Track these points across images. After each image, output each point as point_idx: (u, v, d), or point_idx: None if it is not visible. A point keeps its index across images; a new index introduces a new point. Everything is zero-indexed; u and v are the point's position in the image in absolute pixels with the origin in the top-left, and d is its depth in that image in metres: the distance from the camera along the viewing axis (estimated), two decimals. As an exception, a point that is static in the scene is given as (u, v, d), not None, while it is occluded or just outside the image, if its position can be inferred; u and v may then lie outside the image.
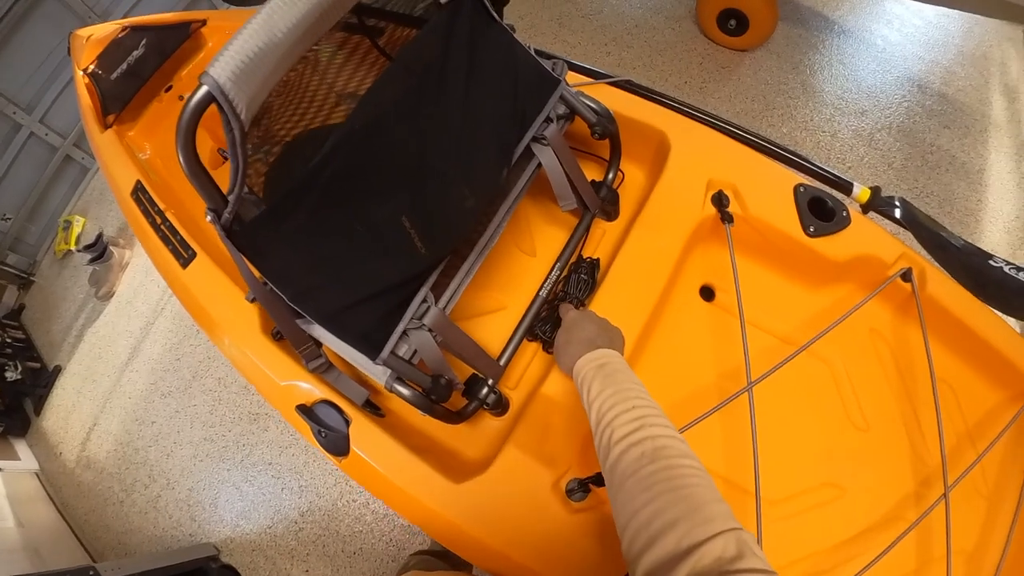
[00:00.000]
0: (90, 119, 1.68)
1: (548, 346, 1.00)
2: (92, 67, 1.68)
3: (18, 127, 2.82)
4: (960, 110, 2.31)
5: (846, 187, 1.07)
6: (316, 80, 0.87)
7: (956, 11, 1.95)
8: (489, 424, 0.96)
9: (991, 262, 0.93)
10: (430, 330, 0.77)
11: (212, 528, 2.02)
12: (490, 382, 0.88)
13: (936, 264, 0.98)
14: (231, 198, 0.65)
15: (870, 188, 1.05)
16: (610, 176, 1.07)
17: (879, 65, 2.45)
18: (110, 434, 2.34)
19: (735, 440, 0.91)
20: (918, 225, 1.01)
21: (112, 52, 1.71)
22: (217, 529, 2.01)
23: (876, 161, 2.17)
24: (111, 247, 2.63)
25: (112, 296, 2.66)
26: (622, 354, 0.74)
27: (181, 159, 0.61)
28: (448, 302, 0.85)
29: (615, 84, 1.11)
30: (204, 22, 1.77)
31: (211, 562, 1.90)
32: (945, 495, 0.77)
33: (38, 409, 2.57)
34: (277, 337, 1.03)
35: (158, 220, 1.34)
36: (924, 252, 1.01)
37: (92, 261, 2.58)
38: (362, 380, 1.00)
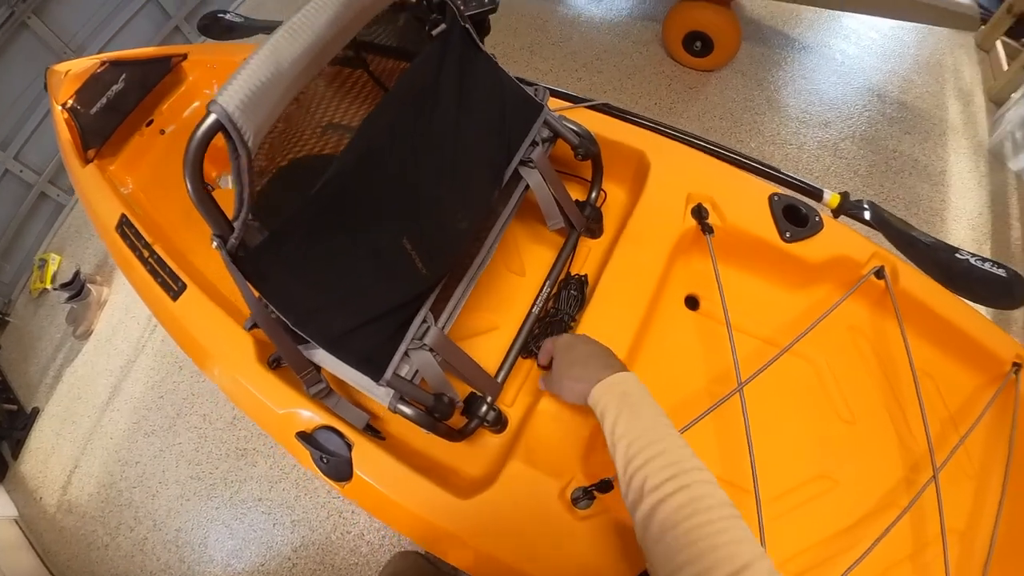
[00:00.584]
0: (70, 154, 1.68)
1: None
2: (71, 102, 1.68)
3: None
4: (919, 116, 2.45)
5: (817, 194, 1.13)
6: (312, 109, 0.90)
7: (909, 22, 2.08)
8: (488, 441, 0.98)
9: (957, 255, 1.01)
10: (431, 350, 0.80)
11: (202, 569, 1.98)
12: (489, 399, 0.90)
13: (906, 260, 1.04)
14: (236, 224, 0.67)
15: (839, 194, 1.12)
16: (593, 195, 1.12)
17: (839, 78, 2.59)
18: (92, 476, 2.28)
19: (729, 441, 0.94)
20: (887, 225, 1.08)
21: (91, 87, 1.72)
22: (208, 569, 1.97)
23: (842, 169, 2.28)
24: (89, 285, 2.59)
25: (90, 335, 2.62)
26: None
27: (189, 185, 0.62)
28: (446, 322, 0.88)
29: (593, 107, 1.17)
30: (185, 56, 1.79)
31: (202, 605, 1.83)
32: (935, 477, 0.81)
33: (16, 453, 2.50)
34: (273, 365, 1.04)
35: (145, 253, 1.34)
36: (894, 250, 1.07)
37: (69, 299, 2.54)
38: (360, 404, 1.01)
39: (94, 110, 1.67)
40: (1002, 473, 0.87)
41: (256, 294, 0.73)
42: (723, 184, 1.09)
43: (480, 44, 0.91)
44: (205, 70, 1.81)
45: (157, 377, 2.38)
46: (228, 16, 1.81)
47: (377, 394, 0.82)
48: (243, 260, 0.69)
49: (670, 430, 0.64)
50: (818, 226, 1.06)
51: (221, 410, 2.22)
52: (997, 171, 2.29)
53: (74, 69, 1.83)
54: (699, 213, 1.05)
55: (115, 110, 1.70)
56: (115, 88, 1.70)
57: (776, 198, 1.08)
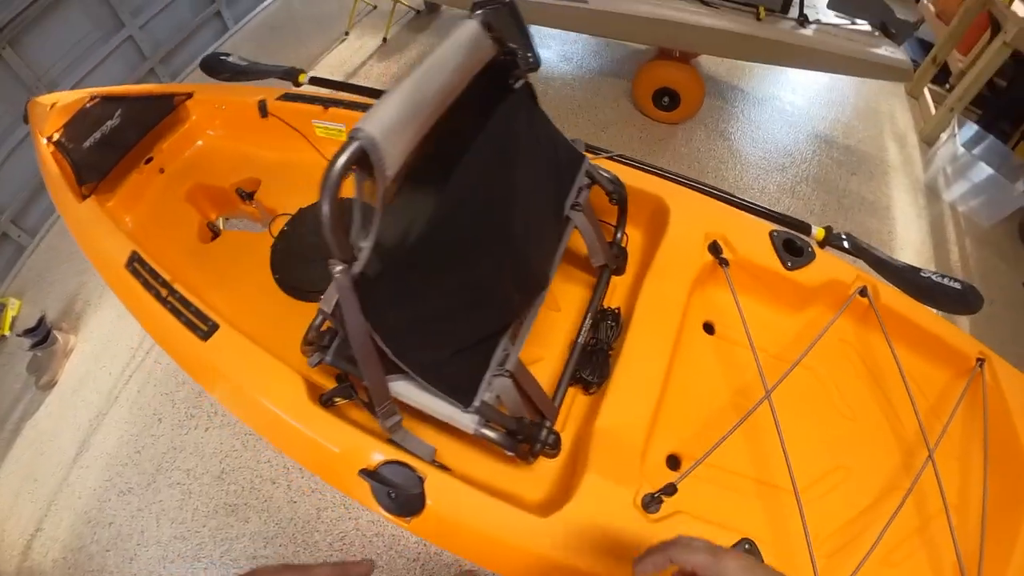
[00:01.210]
0: (61, 189, 1.64)
1: (589, 388, 1.12)
2: (58, 136, 1.66)
3: None
4: (863, 158, 2.83)
5: (806, 229, 1.32)
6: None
7: (845, 75, 2.42)
8: (543, 466, 1.05)
9: (922, 274, 1.23)
10: (511, 375, 0.88)
11: None
12: (548, 424, 0.98)
13: (883, 280, 1.25)
14: (361, 253, 0.72)
15: (824, 228, 1.32)
16: (619, 236, 1.27)
17: (790, 127, 2.95)
18: (57, 540, 2.11)
19: (757, 445, 1.08)
20: (864, 252, 1.28)
21: (80, 121, 1.70)
22: None
23: (800, 209, 2.57)
24: (55, 331, 2.48)
25: (54, 385, 2.47)
26: None
27: (325, 210, 0.66)
28: (517, 349, 0.96)
29: (613, 158, 1.34)
30: (190, 95, 1.82)
31: None
32: (930, 458, 0.97)
33: None
34: (327, 404, 1.06)
35: (163, 292, 1.31)
36: (873, 272, 1.27)
37: (34, 347, 2.41)
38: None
39: (87, 144, 1.65)
40: (981, 450, 1.04)
41: (363, 323, 0.77)
42: (731, 223, 1.28)
43: (536, 99, 1.05)
44: (210, 110, 1.84)
45: (133, 431, 2.27)
46: (232, 58, 1.86)
47: (462, 421, 0.88)
48: (359, 288, 0.74)
49: None
50: (811, 256, 1.25)
51: (207, 464, 2.13)
52: (934, 203, 2.67)
53: (61, 102, 1.81)
54: (715, 248, 1.22)
55: (112, 145, 1.69)
56: (110, 123, 1.70)
57: (775, 233, 1.27)
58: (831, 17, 2.30)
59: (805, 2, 2.22)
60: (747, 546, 0.86)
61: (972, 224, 2.61)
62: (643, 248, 1.35)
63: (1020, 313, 2.34)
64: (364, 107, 1.63)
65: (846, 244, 1.30)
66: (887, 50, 2.19)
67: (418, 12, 3.90)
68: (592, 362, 1.11)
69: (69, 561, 2.05)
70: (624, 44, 3.37)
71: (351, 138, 0.64)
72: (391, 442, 0.99)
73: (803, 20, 2.22)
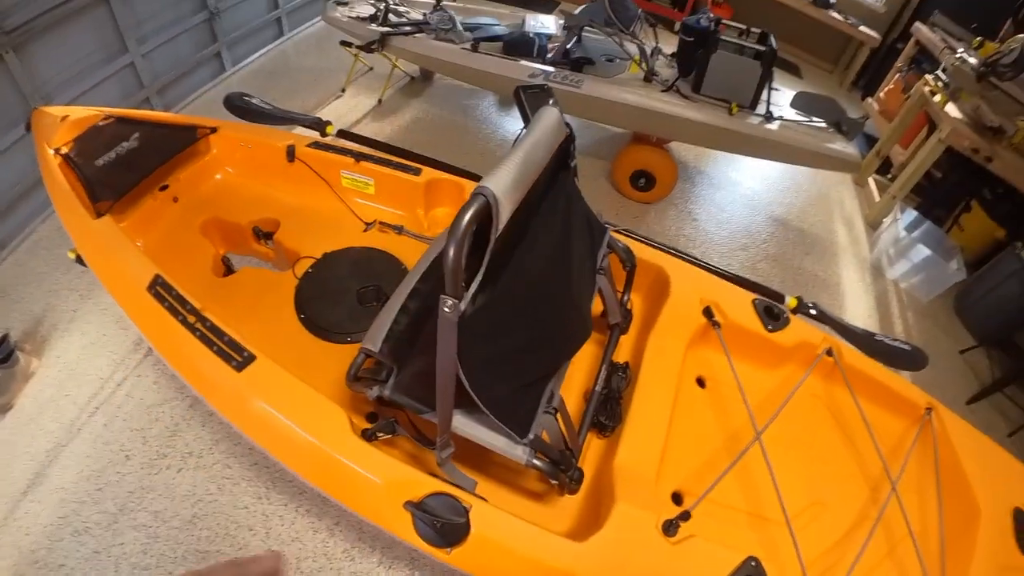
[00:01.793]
0: (71, 204, 1.64)
1: (604, 431, 1.29)
2: (67, 149, 1.68)
3: None
4: (815, 239, 3.22)
5: (780, 298, 1.57)
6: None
7: (803, 166, 2.79)
8: (565, 502, 1.18)
9: (876, 337, 1.49)
10: (555, 412, 1.02)
11: None
12: (574, 461, 1.11)
13: (846, 342, 1.49)
14: (468, 294, 0.84)
15: (795, 298, 1.56)
16: (626, 298, 1.49)
17: (751, 210, 3.33)
18: None
19: (746, 483, 1.26)
20: (829, 319, 1.52)
21: (92, 138, 1.72)
22: None
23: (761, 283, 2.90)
24: (17, 352, 2.39)
25: (10, 409, 2.35)
26: None
27: (452, 252, 0.78)
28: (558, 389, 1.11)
29: (620, 232, 1.58)
30: (214, 129, 1.91)
31: None
32: (894, 490, 1.18)
33: None
34: (370, 438, 1.14)
35: (192, 319, 1.33)
36: (837, 336, 1.51)
37: (-7, 367, 2.31)
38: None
39: (100, 162, 1.69)
40: (934, 484, 1.26)
41: (453, 357, 0.87)
42: (720, 292, 1.51)
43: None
44: (232, 147, 1.95)
45: (96, 466, 2.14)
46: (256, 100, 1.98)
47: (515, 452, 1.01)
48: (462, 324, 0.84)
49: None
50: (787, 321, 1.50)
51: (178, 507, 2.02)
52: (878, 280, 3.07)
53: (72, 116, 1.83)
54: (709, 313, 1.44)
55: (128, 167, 1.74)
56: (126, 145, 1.74)
57: (757, 301, 1.51)
58: (792, 115, 2.68)
59: (771, 100, 2.59)
60: (753, 563, 1.01)
61: (913, 299, 3.01)
62: (643, 310, 1.57)
63: (957, 376, 2.71)
64: (394, 164, 1.79)
65: (813, 311, 1.55)
66: (840, 145, 2.58)
67: (413, 78, 4.15)
68: (607, 409, 1.28)
69: None
70: (601, 127, 3.70)
71: (477, 194, 0.79)
72: (433, 475, 1.08)
73: (769, 116, 2.59)
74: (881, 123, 3.85)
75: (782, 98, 2.73)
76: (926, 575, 1.07)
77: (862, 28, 4.72)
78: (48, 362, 2.51)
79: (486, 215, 0.81)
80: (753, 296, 1.53)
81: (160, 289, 1.41)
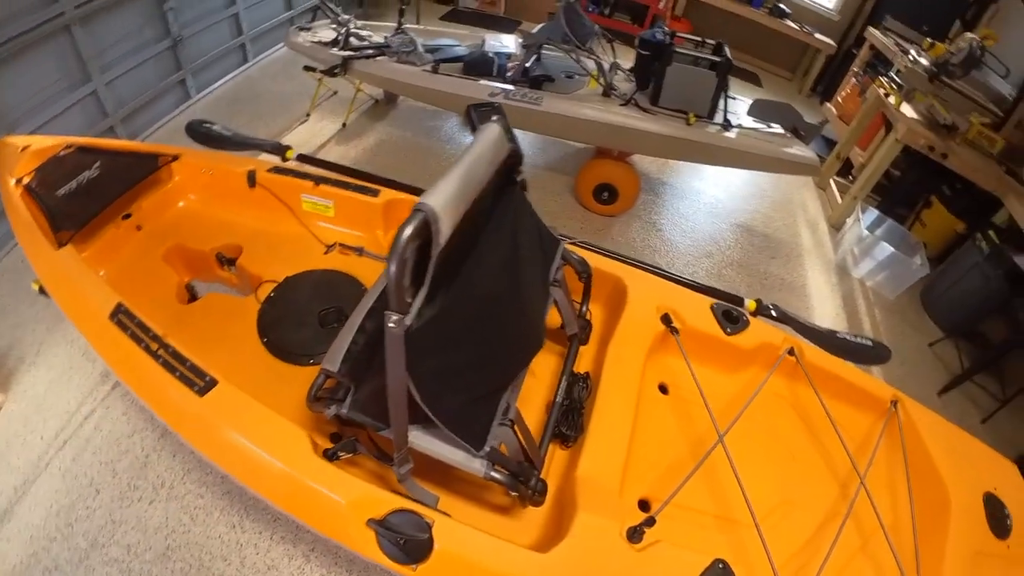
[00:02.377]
0: (32, 234, 1.63)
1: (566, 442, 1.29)
2: (28, 179, 1.66)
3: None
4: (780, 243, 3.27)
5: (739, 301, 1.59)
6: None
7: (762, 172, 2.86)
8: (529, 514, 1.17)
9: (838, 335, 1.52)
10: (511, 424, 1.02)
11: None
12: (536, 472, 1.11)
13: (807, 342, 1.51)
14: (414, 308, 0.85)
15: (755, 300, 1.58)
16: (583, 309, 1.50)
17: (715, 217, 3.39)
18: None
19: (714, 485, 1.27)
20: (789, 319, 1.55)
21: (54, 168, 1.71)
22: None
23: (728, 290, 2.91)
24: (-20, 391, 2.32)
25: None
26: None
27: (393, 268, 0.80)
28: (514, 401, 1.11)
29: (577, 244, 1.58)
30: (176, 157, 1.91)
31: None
32: (862, 484, 1.19)
33: None
34: (331, 458, 1.13)
35: (154, 346, 1.32)
36: (799, 336, 1.53)
37: (-47, 408, 2.24)
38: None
39: (61, 192, 1.67)
40: (904, 476, 1.27)
41: (403, 372, 0.88)
42: (679, 298, 1.53)
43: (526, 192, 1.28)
44: (194, 174, 1.93)
45: (65, 501, 2.09)
46: (217, 127, 1.97)
47: (473, 465, 1.01)
48: (407, 339, 0.86)
49: None
50: (746, 323, 1.52)
51: (150, 540, 1.97)
52: (844, 280, 3.12)
53: (34, 145, 1.81)
54: (667, 320, 1.45)
55: (89, 197, 1.72)
56: (87, 174, 1.72)
57: (715, 306, 1.53)
58: (749, 122, 2.74)
59: (728, 109, 2.65)
60: (721, 565, 1.02)
61: (879, 296, 3.07)
62: (603, 320, 1.58)
63: (928, 368, 2.76)
64: (352, 187, 1.80)
65: (773, 313, 1.57)
66: (798, 149, 2.64)
67: (377, 101, 4.17)
68: (569, 419, 1.28)
69: None
70: (565, 143, 3.75)
71: (417, 210, 0.80)
72: (396, 492, 1.07)
73: (727, 125, 2.65)
74: (840, 127, 3.96)
75: (740, 107, 2.79)
76: (900, 567, 1.08)
77: (818, 36, 4.90)
78: (14, 397, 2.45)
79: (427, 231, 0.82)
80: (712, 301, 1.55)
81: (123, 317, 1.40)
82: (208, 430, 1.24)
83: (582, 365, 1.46)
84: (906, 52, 3.44)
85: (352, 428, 1.20)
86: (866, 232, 3.05)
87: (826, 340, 1.48)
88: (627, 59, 3.01)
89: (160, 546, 1.98)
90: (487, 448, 0.97)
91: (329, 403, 1.10)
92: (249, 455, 1.15)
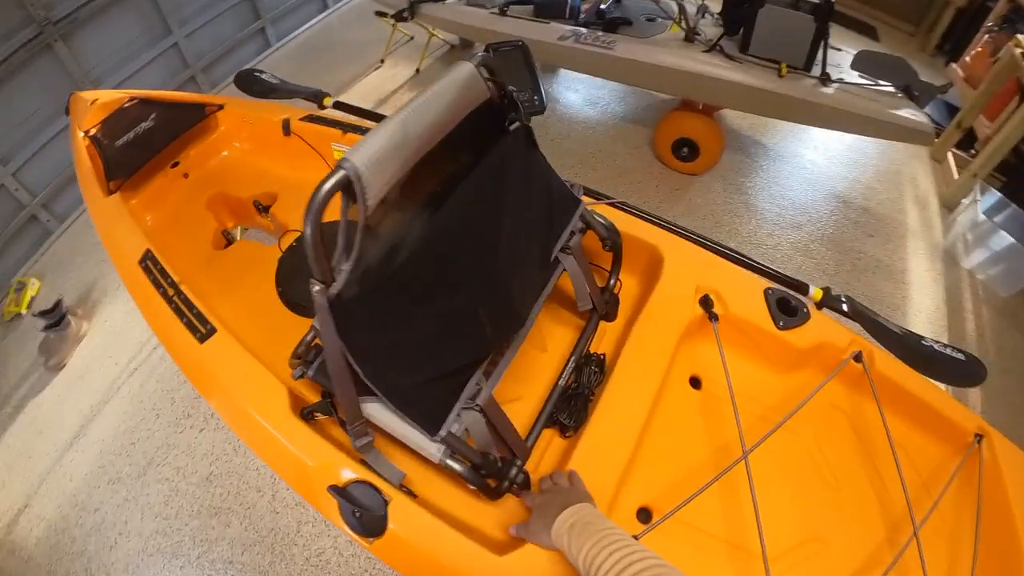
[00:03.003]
0: (91, 182, 1.71)
1: (565, 432, 1.12)
2: (95, 131, 1.73)
3: None
4: (881, 220, 2.79)
5: (803, 288, 1.31)
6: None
7: (865, 136, 2.42)
8: (510, 504, 1.03)
9: (923, 342, 1.20)
10: (481, 410, 0.89)
11: None
12: (519, 463, 0.98)
13: (880, 347, 1.21)
14: (340, 276, 0.75)
15: (822, 288, 1.30)
16: (612, 282, 1.28)
17: (809, 185, 2.93)
18: (43, 519, 2.15)
19: (731, 506, 1.06)
20: (862, 316, 1.25)
21: (118, 120, 1.78)
22: None
23: (812, 268, 2.54)
24: (69, 316, 2.56)
25: (62, 368, 2.54)
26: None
27: (308, 231, 0.71)
28: (491, 386, 0.98)
29: (613, 204, 1.36)
30: (221, 107, 1.90)
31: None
32: (915, 534, 0.94)
33: None
34: (307, 418, 1.08)
35: (170, 292, 1.36)
36: (870, 338, 1.24)
37: (47, 328, 2.49)
38: (394, 463, 1.05)
39: (119, 143, 1.73)
40: (972, 531, 1.00)
41: (338, 343, 0.80)
42: (726, 278, 1.28)
43: (535, 141, 1.07)
44: (238, 123, 1.93)
45: (131, 422, 2.31)
46: (265, 76, 1.94)
47: (428, 449, 0.89)
48: (336, 307, 0.77)
49: (615, 533, 0.74)
50: (806, 316, 1.24)
51: (196, 464, 2.15)
52: (951, 269, 2.61)
53: (101, 99, 1.90)
54: (706, 303, 1.22)
55: (142, 147, 1.78)
56: (144, 125, 1.78)
57: (770, 292, 1.27)
58: (855, 77, 2.29)
59: (828, 61, 2.22)
60: None
61: (990, 293, 2.54)
62: (637, 296, 1.36)
63: None
64: None
65: (844, 307, 1.28)
66: (908, 112, 2.17)
67: (453, 46, 3.99)
68: (571, 406, 1.11)
69: (52, 541, 2.09)
70: (649, 93, 3.42)
71: (338, 167, 0.68)
72: (363, 463, 1.00)
73: (825, 79, 2.22)
74: (965, 91, 3.23)
75: (844, 60, 2.34)
76: None
77: (948, -18, 4.03)
78: (96, 325, 2.69)
79: (351, 191, 0.69)
80: (768, 284, 1.30)
81: (148, 263, 1.44)
82: (205, 377, 1.24)
83: (603, 346, 1.27)
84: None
85: None
86: (983, 216, 2.49)
87: (906, 347, 1.18)
88: (717, 2, 2.63)
89: (204, 471, 2.12)
90: (443, 433, 0.85)
91: (304, 364, 1.02)
92: (235, 405, 1.15)
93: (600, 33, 2.53)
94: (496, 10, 2.80)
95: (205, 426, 2.25)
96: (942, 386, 1.23)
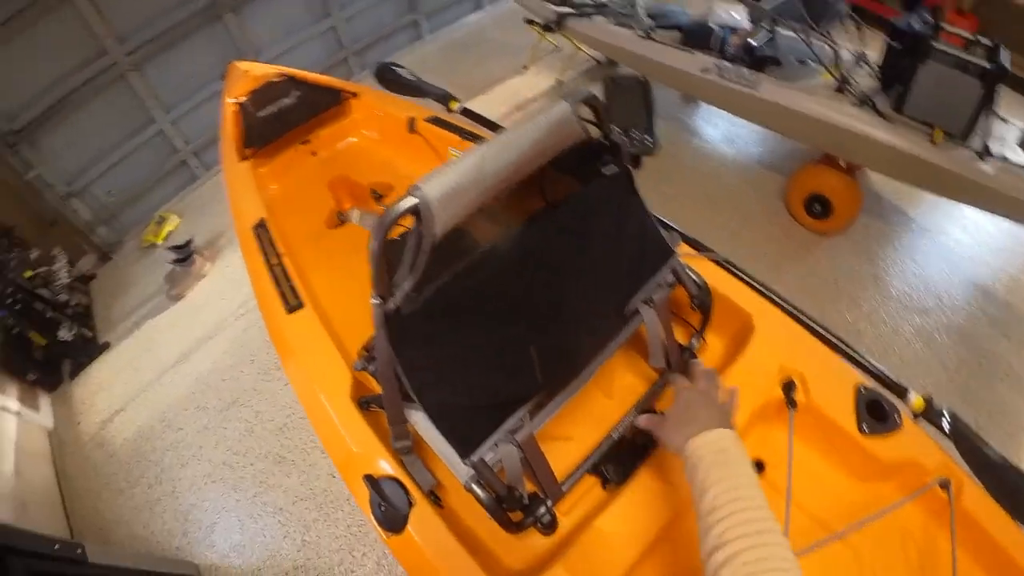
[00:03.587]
0: (229, 145, 1.92)
1: (606, 483, 1.12)
2: (243, 99, 1.94)
3: (152, 120, 3.28)
4: (1022, 321, 2.47)
5: (902, 392, 1.20)
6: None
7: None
8: (534, 540, 1.05)
9: None
10: (518, 446, 0.92)
11: (201, 550, 2.07)
12: (548, 503, 0.99)
13: (975, 479, 1.10)
14: (398, 292, 0.80)
15: (924, 398, 1.19)
16: (694, 343, 1.25)
17: (948, 266, 2.67)
18: (134, 424, 2.48)
19: None
20: (964, 440, 1.13)
21: (265, 92, 1.99)
22: (205, 553, 2.07)
23: (931, 360, 2.31)
24: (196, 255, 2.93)
25: (181, 299, 2.91)
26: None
27: (374, 247, 0.77)
28: (536, 425, 0.99)
29: (715, 260, 1.32)
30: (355, 95, 2.08)
31: (189, 582, 1.88)
32: None
33: (74, 374, 2.76)
34: (363, 407, 1.16)
35: (273, 260, 1.52)
36: (965, 466, 1.12)
37: (175, 261, 2.86)
38: (429, 469, 1.10)
39: (261, 114, 1.95)
40: None
41: (390, 353, 0.86)
42: (816, 364, 1.21)
43: (636, 188, 1.08)
44: (369, 114, 2.10)
45: (228, 361, 2.60)
46: (403, 71, 2.08)
47: (458, 469, 0.94)
48: (392, 321, 0.83)
49: (756, 491, 0.72)
50: (896, 425, 1.15)
51: (275, 413, 2.38)
52: None
53: (254, 71, 2.13)
54: (788, 387, 1.17)
55: (280, 121, 1.99)
56: (285, 101, 1.99)
57: (863, 391, 1.18)
58: (1020, 156, 2.05)
59: (992, 132, 2.02)
60: None
61: None
62: (716, 360, 1.32)
63: None
64: None
65: (946, 425, 1.17)
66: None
67: (599, 63, 4.01)
68: (619, 459, 1.10)
69: (136, 446, 2.41)
70: (789, 140, 3.28)
71: (409, 193, 0.74)
72: (400, 462, 1.07)
73: (985, 153, 2.01)
74: None
75: (1010, 133, 2.11)
76: None
77: None
78: (218, 268, 3.05)
79: (420, 217, 0.75)
80: (860, 381, 1.23)
81: (260, 231, 1.62)
82: (285, 343, 1.38)
83: (669, 405, 1.27)
84: None
85: None
86: None
87: (1008, 487, 1.05)
88: (877, 51, 2.46)
89: (280, 421, 2.35)
90: (474, 458, 0.89)
91: (368, 358, 1.11)
92: (303, 377, 1.28)
93: (745, 70, 2.46)
94: (642, 32, 2.80)
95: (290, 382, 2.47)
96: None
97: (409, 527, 1.00)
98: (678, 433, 0.86)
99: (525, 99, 3.89)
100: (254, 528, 2.08)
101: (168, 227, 3.28)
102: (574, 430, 1.21)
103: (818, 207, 2.64)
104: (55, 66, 2.89)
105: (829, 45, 2.35)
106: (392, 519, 1.00)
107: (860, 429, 1.15)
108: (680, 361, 1.21)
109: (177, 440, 2.39)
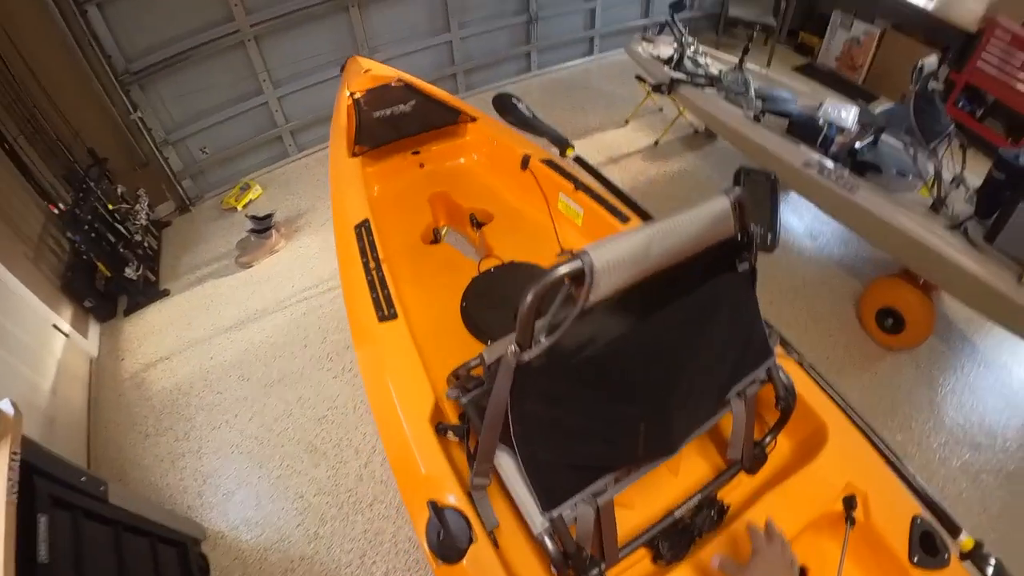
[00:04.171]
0: (340, 139, 2.02)
1: (658, 559, 1.18)
2: (359, 96, 2.07)
3: (260, 91, 3.53)
4: (1076, 474, 2.45)
5: (955, 531, 1.26)
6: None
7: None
8: None
9: None
10: (598, 509, 1.00)
11: (211, 515, 2.16)
12: (602, 565, 1.04)
13: None
14: (537, 346, 0.87)
15: (975, 540, 1.23)
16: (767, 439, 1.33)
17: (1008, 406, 2.68)
18: (175, 376, 2.60)
19: None
20: None
21: (382, 94, 2.12)
22: (215, 519, 2.15)
23: (974, 500, 2.33)
24: (273, 229, 3.10)
25: (249, 268, 3.07)
26: None
27: (529, 300, 0.82)
28: (617, 490, 1.07)
29: (800, 363, 1.42)
30: (474, 119, 2.21)
31: (192, 543, 1.98)
32: None
33: (129, 312, 2.93)
34: (440, 432, 1.22)
35: (371, 264, 1.57)
36: None
37: (252, 231, 3.03)
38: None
39: (376, 115, 2.08)
40: None
41: (506, 400, 0.92)
42: (879, 484, 1.29)
43: (754, 287, 1.18)
44: (483, 139, 2.23)
45: (281, 340, 2.73)
46: (521, 106, 2.19)
47: (534, 519, 1.00)
48: (519, 372, 0.89)
49: None
50: (944, 562, 1.20)
51: (317, 403, 2.48)
52: None
53: (374, 71, 2.27)
54: (849, 503, 1.23)
55: (394, 126, 2.12)
56: (402, 108, 2.13)
57: (918, 521, 1.24)
58: None
59: None
60: None
61: None
62: (784, 460, 1.40)
63: None
64: (607, 204, 1.84)
65: (990, 571, 1.23)
66: None
67: (697, 131, 4.15)
68: (674, 539, 1.17)
69: (172, 397, 2.52)
70: (873, 247, 3.35)
71: (577, 256, 0.80)
72: (469, 496, 1.13)
73: None
74: None
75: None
76: None
77: None
78: (291, 248, 3.22)
79: (580, 280, 0.81)
80: (918, 512, 1.31)
81: (363, 231, 1.69)
82: (370, 351, 1.43)
83: (731, 495, 1.32)
84: None
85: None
86: None
87: None
88: (978, 175, 2.55)
89: (320, 412, 2.45)
90: (553, 514, 0.96)
91: (461, 388, 1.19)
92: (384, 389, 1.31)
93: (847, 173, 2.56)
94: (751, 114, 2.92)
95: (340, 375, 2.58)
96: None
97: (465, 562, 1.04)
98: None
99: (621, 153, 4.01)
100: (270, 508, 2.15)
101: (251, 195, 3.48)
102: (636, 499, 1.28)
103: (890, 320, 2.69)
104: (183, 21, 3.17)
105: (933, 162, 2.43)
106: (448, 549, 1.05)
107: (911, 560, 1.21)
108: (751, 455, 1.30)
109: (214, 402, 2.50)
